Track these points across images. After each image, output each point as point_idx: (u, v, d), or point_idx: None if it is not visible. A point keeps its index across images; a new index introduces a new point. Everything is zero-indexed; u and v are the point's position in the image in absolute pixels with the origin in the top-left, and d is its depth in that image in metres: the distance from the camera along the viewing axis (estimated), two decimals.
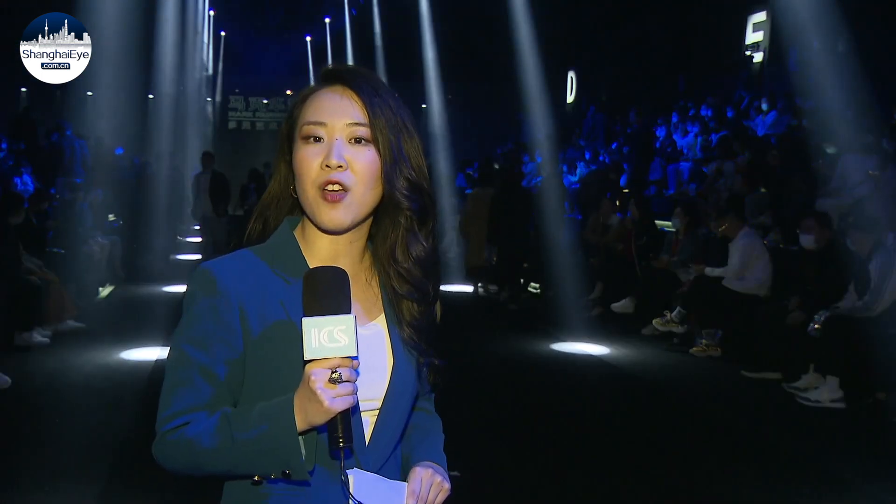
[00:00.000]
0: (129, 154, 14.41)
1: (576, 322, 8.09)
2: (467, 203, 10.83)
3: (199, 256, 12.03)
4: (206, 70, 21.57)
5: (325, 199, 1.23)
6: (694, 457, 4.57)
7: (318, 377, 1.12)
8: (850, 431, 5.13)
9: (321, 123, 1.24)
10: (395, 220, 1.31)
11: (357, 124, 1.24)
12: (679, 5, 14.60)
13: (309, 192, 1.24)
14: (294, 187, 1.29)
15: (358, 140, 1.24)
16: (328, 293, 1.15)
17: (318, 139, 1.24)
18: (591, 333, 7.77)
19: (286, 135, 1.31)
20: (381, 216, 1.31)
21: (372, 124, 1.24)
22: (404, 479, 1.33)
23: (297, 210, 1.33)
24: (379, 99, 1.26)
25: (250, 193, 12.96)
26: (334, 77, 1.28)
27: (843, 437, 5.02)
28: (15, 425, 4.86)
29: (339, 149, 1.23)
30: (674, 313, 7.47)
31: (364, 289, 1.34)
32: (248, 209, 13.45)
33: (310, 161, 1.24)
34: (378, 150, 1.25)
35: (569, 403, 5.60)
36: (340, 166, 1.22)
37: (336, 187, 1.23)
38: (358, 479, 1.23)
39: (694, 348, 7.15)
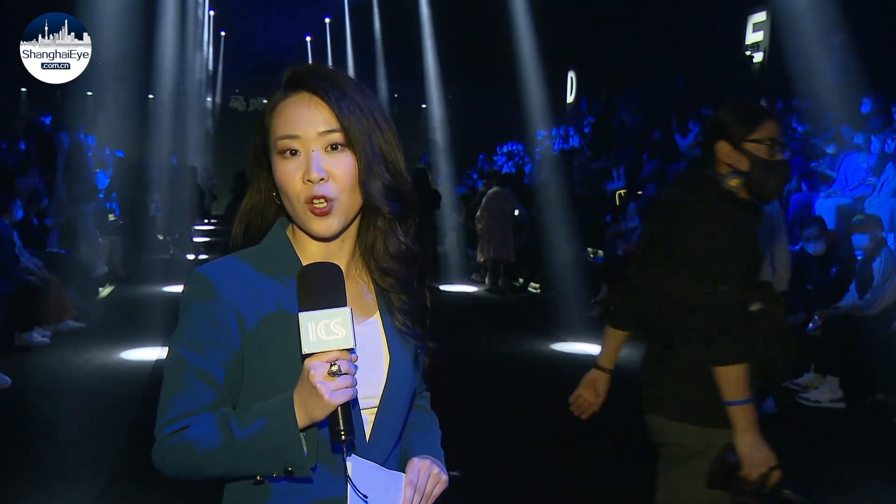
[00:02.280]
0: (129, 154, 14.41)
1: (576, 322, 8.09)
2: (484, 201, 11.23)
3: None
4: (207, 70, 21.58)
5: (313, 213, 1.23)
6: None
7: (317, 371, 1.11)
8: (850, 431, 5.13)
9: (294, 136, 1.23)
10: (374, 219, 1.31)
11: (330, 131, 1.23)
12: (679, 5, 14.59)
13: (296, 208, 1.24)
14: (276, 194, 1.29)
15: (334, 147, 1.24)
16: (323, 288, 1.15)
17: (294, 152, 1.23)
18: (591, 333, 7.76)
19: (260, 144, 1.30)
20: (363, 213, 1.32)
21: (344, 128, 1.23)
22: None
23: (282, 213, 1.33)
24: (347, 100, 1.24)
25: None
26: (298, 83, 1.26)
27: (843, 437, 5.02)
28: (15, 425, 4.86)
29: (318, 161, 1.22)
30: None
31: (357, 285, 1.34)
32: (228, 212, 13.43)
33: (290, 176, 1.23)
34: (353, 153, 1.24)
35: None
36: (322, 179, 1.22)
37: (321, 202, 1.23)
38: (356, 467, 1.22)
39: None
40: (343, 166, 1.23)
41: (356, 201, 1.27)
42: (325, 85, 1.24)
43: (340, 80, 1.27)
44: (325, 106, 1.23)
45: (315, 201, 1.22)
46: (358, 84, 1.29)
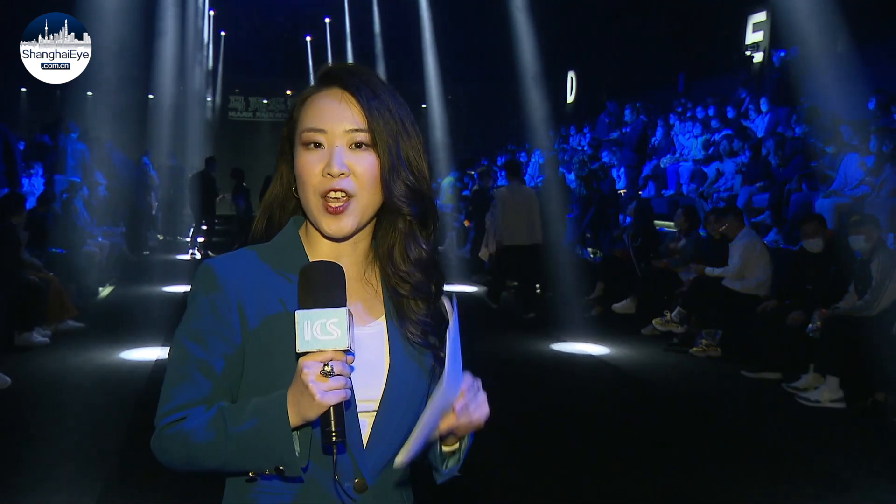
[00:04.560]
0: (129, 154, 14.41)
1: (576, 322, 8.09)
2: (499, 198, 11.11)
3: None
4: (207, 70, 21.58)
5: (327, 210, 1.24)
6: (694, 457, 4.57)
7: (309, 370, 1.11)
8: (850, 431, 5.13)
9: (321, 130, 1.24)
10: (395, 222, 1.31)
11: (356, 130, 1.24)
12: (679, 5, 14.60)
13: (311, 201, 1.25)
14: (296, 188, 1.29)
15: (358, 145, 1.24)
16: (322, 287, 1.14)
17: (318, 145, 1.24)
18: (591, 333, 7.77)
19: (287, 136, 1.31)
20: (381, 216, 1.32)
21: (371, 129, 1.24)
22: (412, 478, 1.33)
23: (301, 209, 1.33)
24: (378, 101, 1.25)
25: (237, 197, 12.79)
26: (333, 79, 1.27)
27: (842, 437, 5.02)
28: (15, 425, 4.86)
29: (340, 156, 1.22)
30: (674, 313, 7.47)
31: (366, 287, 1.34)
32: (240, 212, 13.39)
33: (310, 168, 1.24)
34: (377, 154, 1.25)
35: (569, 403, 5.60)
36: (343, 173, 1.22)
37: (339, 195, 1.23)
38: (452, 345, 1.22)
39: (694, 348, 7.15)
40: (365, 164, 1.24)
41: (374, 202, 1.27)
42: (358, 83, 1.25)
43: (374, 81, 1.28)
44: (355, 104, 1.24)
45: (332, 194, 1.23)
46: (391, 89, 1.29)
